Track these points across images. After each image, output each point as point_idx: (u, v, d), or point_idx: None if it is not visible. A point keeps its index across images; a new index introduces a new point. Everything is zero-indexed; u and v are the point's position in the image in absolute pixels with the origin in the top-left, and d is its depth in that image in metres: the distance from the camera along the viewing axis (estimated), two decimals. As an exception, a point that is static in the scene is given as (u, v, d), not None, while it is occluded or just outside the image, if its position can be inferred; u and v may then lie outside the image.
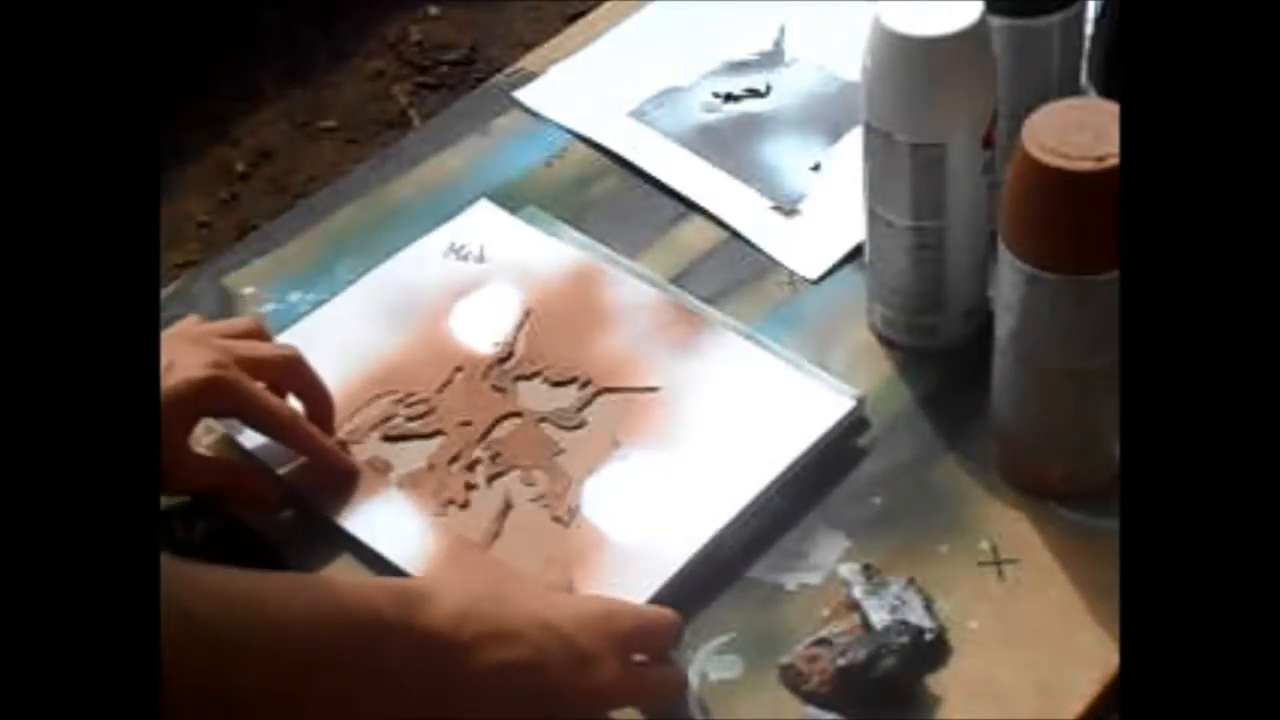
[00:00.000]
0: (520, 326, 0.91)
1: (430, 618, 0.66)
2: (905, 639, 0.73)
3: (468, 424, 0.86)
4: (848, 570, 0.77)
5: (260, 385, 0.82)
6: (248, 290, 0.96)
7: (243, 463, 0.85)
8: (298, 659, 0.64)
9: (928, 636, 0.74)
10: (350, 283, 0.95)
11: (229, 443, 0.86)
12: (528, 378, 0.89)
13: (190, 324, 0.86)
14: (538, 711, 0.68)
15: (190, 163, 2.12)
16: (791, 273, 0.94)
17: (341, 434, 0.86)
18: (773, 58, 1.09)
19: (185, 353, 0.80)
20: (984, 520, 0.80)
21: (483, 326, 0.92)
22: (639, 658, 0.71)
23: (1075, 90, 0.88)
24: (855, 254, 0.93)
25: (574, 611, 0.70)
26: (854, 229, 0.90)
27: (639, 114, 1.05)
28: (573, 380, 0.88)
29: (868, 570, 0.77)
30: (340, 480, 0.84)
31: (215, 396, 0.80)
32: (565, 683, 0.68)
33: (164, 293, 0.97)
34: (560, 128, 1.05)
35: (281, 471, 0.84)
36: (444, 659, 0.66)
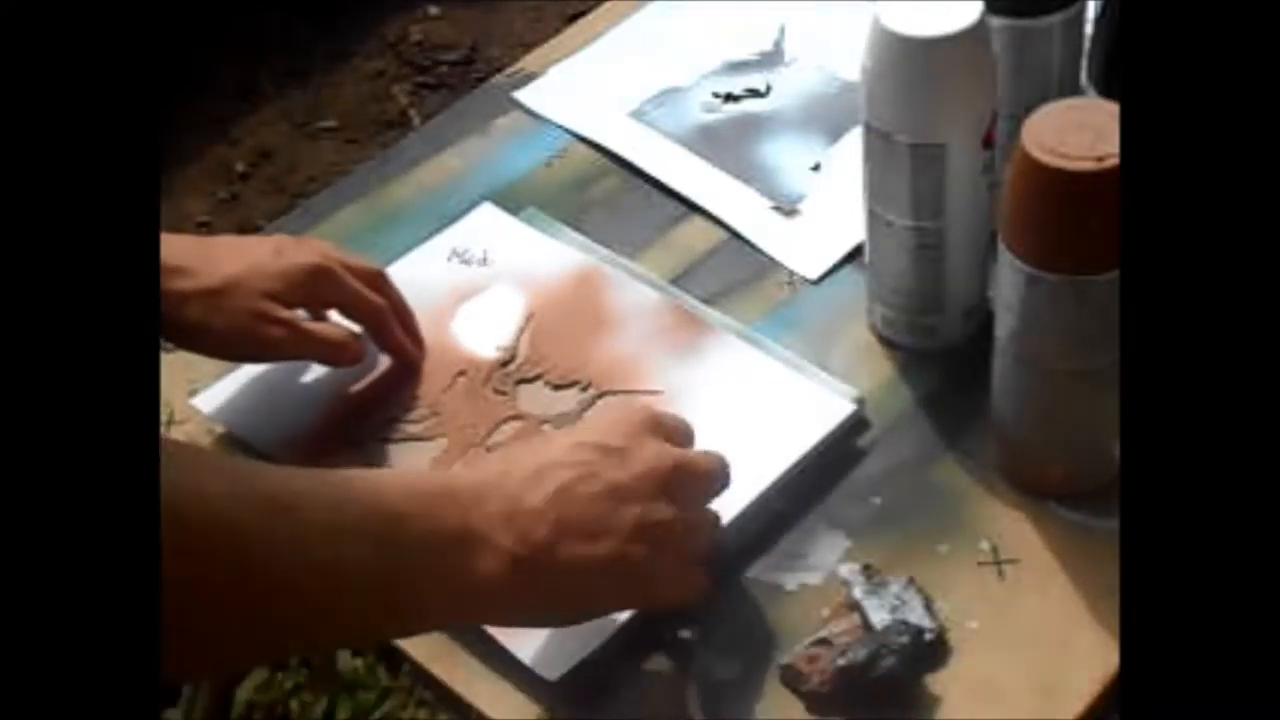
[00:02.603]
0: (522, 330, 0.91)
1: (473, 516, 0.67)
2: (905, 639, 0.73)
3: (470, 427, 0.86)
4: (848, 570, 0.77)
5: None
6: (248, 291, 0.96)
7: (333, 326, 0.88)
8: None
9: (928, 636, 0.74)
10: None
11: (231, 440, 0.87)
12: (529, 381, 0.89)
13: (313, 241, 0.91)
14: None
15: (190, 163, 2.12)
16: (791, 273, 0.94)
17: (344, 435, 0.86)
18: (773, 58, 1.09)
19: (292, 245, 0.86)
20: (984, 520, 0.80)
21: (485, 330, 0.92)
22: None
23: (1075, 90, 0.88)
24: (855, 254, 0.93)
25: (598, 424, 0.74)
26: (854, 229, 0.90)
27: (639, 114, 1.05)
28: (574, 383, 0.88)
29: (868, 570, 0.77)
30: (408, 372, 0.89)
31: (320, 283, 0.85)
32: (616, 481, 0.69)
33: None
34: (560, 128, 1.05)
35: None
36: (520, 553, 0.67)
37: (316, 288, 0.85)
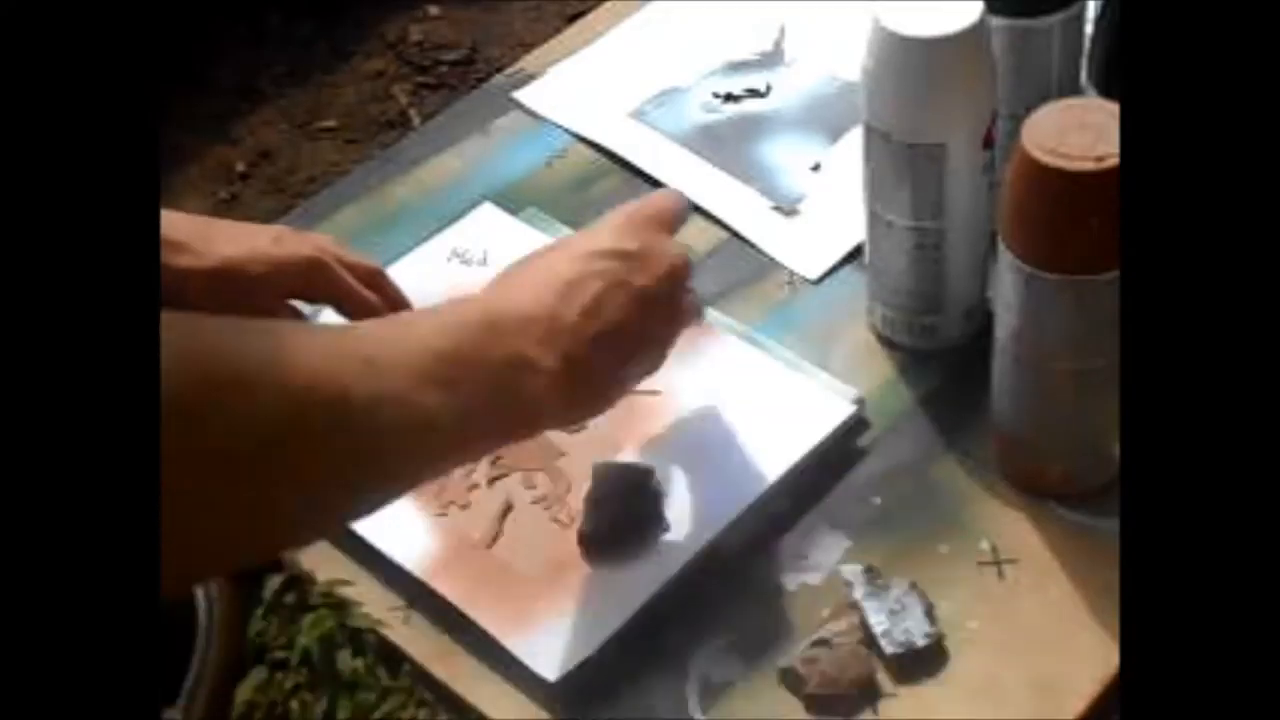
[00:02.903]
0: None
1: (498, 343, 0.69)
2: (900, 650, 0.73)
3: (468, 424, 0.86)
4: (850, 571, 0.77)
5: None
6: (248, 291, 0.96)
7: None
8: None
9: (921, 643, 0.74)
10: (350, 283, 0.95)
11: None
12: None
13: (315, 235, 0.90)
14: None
15: (190, 163, 2.12)
16: (791, 273, 0.94)
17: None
18: (773, 58, 1.09)
19: (292, 236, 0.85)
20: (984, 520, 0.80)
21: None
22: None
23: (1075, 90, 0.88)
24: (855, 254, 0.93)
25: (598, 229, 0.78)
26: (854, 229, 0.90)
27: (639, 114, 1.05)
28: (573, 381, 0.88)
29: (870, 572, 0.77)
30: None
31: (315, 277, 0.84)
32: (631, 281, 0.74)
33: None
34: (560, 128, 1.05)
35: None
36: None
37: (311, 281, 0.85)
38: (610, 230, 0.77)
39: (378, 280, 0.88)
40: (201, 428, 0.55)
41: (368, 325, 0.72)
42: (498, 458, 0.84)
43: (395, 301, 0.88)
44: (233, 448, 0.56)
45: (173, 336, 0.53)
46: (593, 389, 0.73)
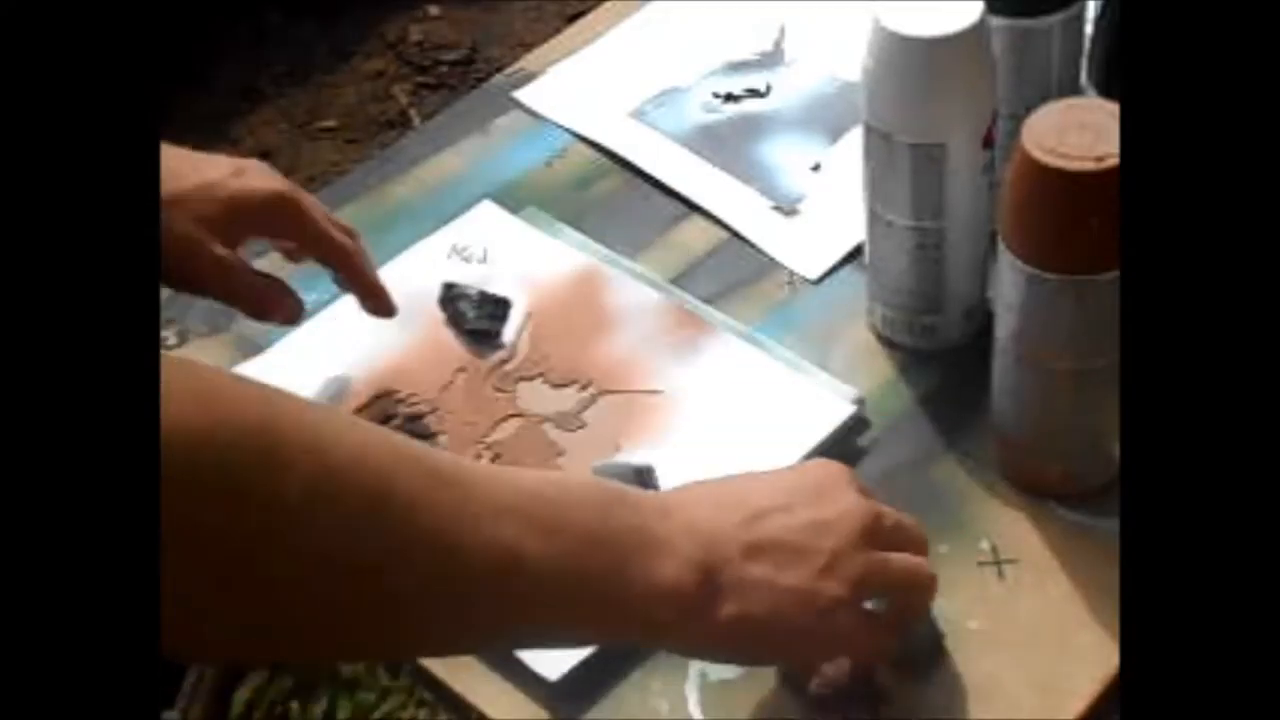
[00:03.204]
0: (522, 328, 0.91)
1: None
2: (901, 651, 0.73)
3: (470, 425, 0.86)
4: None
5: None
6: (248, 290, 0.96)
7: (268, 277, 0.81)
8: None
9: (922, 642, 0.74)
10: (350, 283, 0.95)
11: None
12: (529, 379, 0.89)
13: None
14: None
15: (190, 163, 2.12)
16: (791, 273, 0.94)
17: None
18: (773, 58, 1.09)
19: (258, 169, 0.78)
20: (984, 520, 0.80)
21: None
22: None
23: (1075, 90, 0.88)
24: (855, 254, 0.93)
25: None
26: (854, 229, 0.90)
27: (639, 114, 1.05)
28: (574, 382, 0.88)
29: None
30: (382, 317, 0.85)
31: (280, 212, 0.77)
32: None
33: (164, 293, 0.97)
34: (560, 128, 1.05)
35: None
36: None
37: (275, 217, 0.77)
38: (799, 471, 0.69)
39: (352, 235, 0.84)
40: (237, 502, 0.50)
41: (474, 461, 0.64)
42: (496, 456, 0.84)
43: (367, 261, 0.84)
44: (259, 517, 0.51)
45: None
46: (739, 604, 0.62)
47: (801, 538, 0.64)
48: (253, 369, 0.90)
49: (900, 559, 0.67)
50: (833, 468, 0.69)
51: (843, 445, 0.84)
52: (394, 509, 0.54)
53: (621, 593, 0.60)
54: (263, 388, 0.54)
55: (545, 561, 0.57)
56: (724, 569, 0.62)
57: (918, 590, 0.68)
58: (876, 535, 0.66)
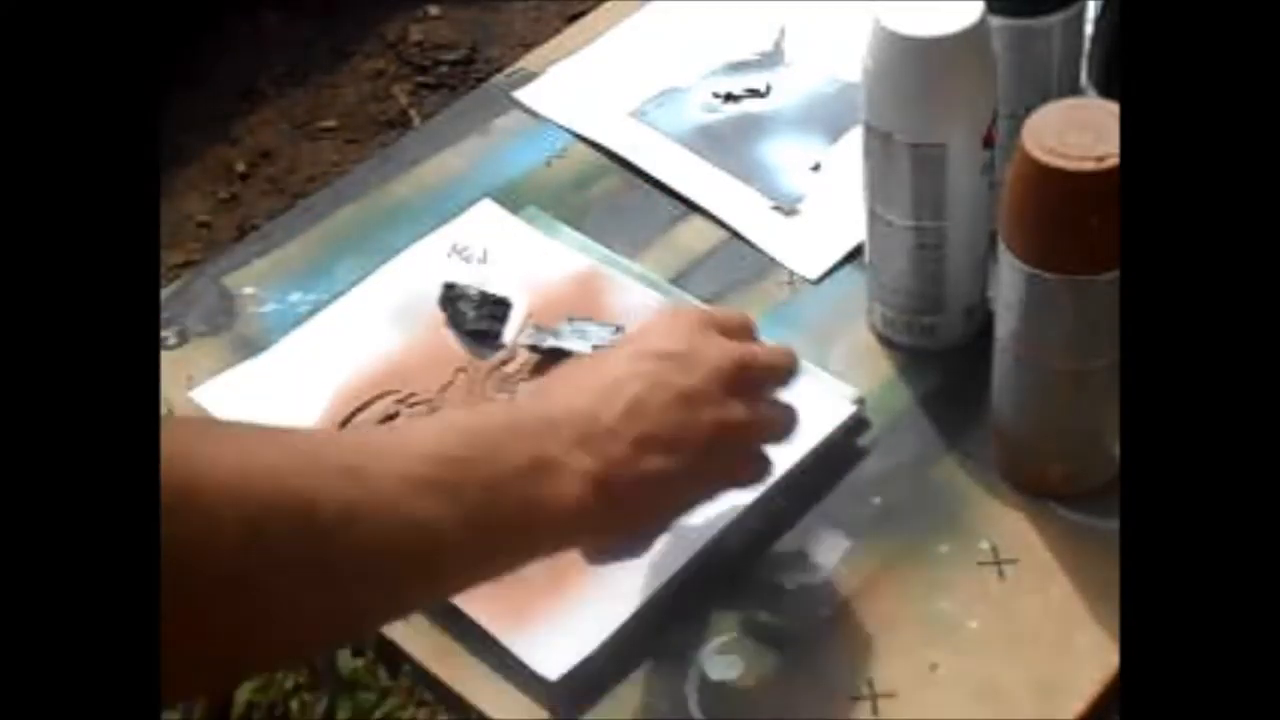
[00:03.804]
0: (522, 329, 0.91)
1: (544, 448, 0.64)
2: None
3: (468, 424, 0.86)
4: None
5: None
6: (248, 290, 0.96)
7: None
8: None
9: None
10: (350, 283, 0.95)
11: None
12: (529, 379, 0.89)
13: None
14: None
15: (190, 163, 2.12)
16: (791, 273, 0.94)
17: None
18: (773, 58, 1.09)
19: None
20: (984, 520, 0.80)
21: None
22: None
23: (1075, 90, 0.88)
24: (855, 254, 0.93)
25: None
26: (854, 229, 0.90)
27: (639, 114, 1.05)
28: (573, 381, 0.88)
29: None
30: None
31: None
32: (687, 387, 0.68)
33: (164, 293, 0.97)
34: (560, 128, 1.05)
35: None
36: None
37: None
38: (658, 331, 0.71)
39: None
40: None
41: (360, 431, 0.66)
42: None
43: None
44: (189, 561, 0.52)
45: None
46: (636, 498, 0.66)
47: (679, 416, 0.67)
48: (253, 369, 0.90)
49: (758, 415, 0.72)
50: (690, 316, 0.72)
51: (843, 445, 0.84)
52: (321, 524, 0.57)
53: (530, 526, 0.64)
54: (182, 430, 0.57)
55: (460, 529, 0.61)
56: (617, 472, 0.66)
57: (778, 426, 0.74)
58: (745, 382, 0.71)
